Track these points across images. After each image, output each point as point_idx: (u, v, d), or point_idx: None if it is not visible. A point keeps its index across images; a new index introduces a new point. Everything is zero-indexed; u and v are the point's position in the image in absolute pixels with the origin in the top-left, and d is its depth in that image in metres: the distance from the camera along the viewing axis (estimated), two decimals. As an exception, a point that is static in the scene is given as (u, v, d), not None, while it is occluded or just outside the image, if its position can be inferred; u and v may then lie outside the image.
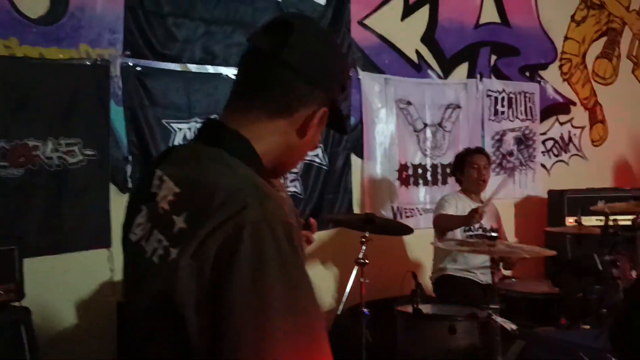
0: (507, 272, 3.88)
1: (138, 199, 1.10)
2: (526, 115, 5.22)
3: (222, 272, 0.90)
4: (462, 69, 4.92)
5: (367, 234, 3.34)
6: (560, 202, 4.88)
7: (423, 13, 4.73)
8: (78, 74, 3.41)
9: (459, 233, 3.88)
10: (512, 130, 5.15)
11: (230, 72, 3.80)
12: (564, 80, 5.47)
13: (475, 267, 3.87)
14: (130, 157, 3.55)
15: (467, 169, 4.04)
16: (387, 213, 4.47)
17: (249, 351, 0.88)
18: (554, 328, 3.20)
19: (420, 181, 4.68)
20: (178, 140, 3.69)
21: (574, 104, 5.53)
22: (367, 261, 3.27)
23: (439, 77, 4.80)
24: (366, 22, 4.48)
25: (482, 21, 5.02)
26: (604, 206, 3.76)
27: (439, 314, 3.18)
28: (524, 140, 5.20)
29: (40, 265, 3.21)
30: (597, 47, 5.66)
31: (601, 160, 5.63)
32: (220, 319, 0.89)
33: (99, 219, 3.42)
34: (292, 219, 0.97)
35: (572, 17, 5.51)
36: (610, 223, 3.50)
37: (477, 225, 3.85)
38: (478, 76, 4.96)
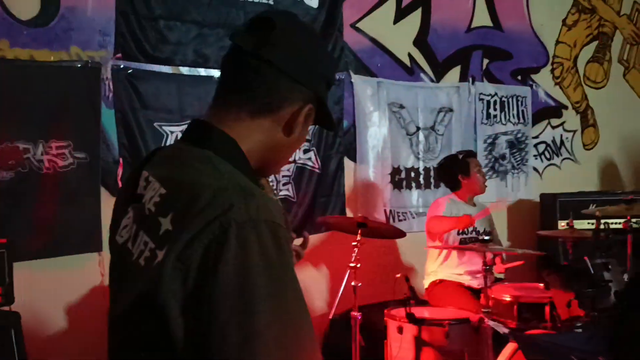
0: (500, 275, 3.88)
1: (125, 200, 1.10)
2: (518, 118, 5.23)
3: (207, 273, 0.90)
4: (455, 72, 4.93)
5: (359, 238, 3.33)
6: (552, 206, 4.90)
7: (415, 17, 4.74)
8: (69, 76, 3.39)
9: (452, 236, 3.88)
10: (505, 133, 5.16)
11: (222, 75, 3.79)
12: (556, 84, 5.49)
13: (467, 271, 3.87)
14: (121, 160, 3.53)
15: (473, 172, 3.99)
16: (379, 216, 4.47)
17: (233, 352, 0.88)
18: (546, 331, 3.20)
19: (413, 184, 4.68)
20: (169, 143, 3.68)
21: (566, 107, 5.55)
22: (359, 265, 3.26)
23: (432, 80, 4.81)
24: (359, 25, 4.48)
25: (474, 25, 5.03)
26: (595, 210, 3.77)
27: (432, 318, 3.18)
28: (516, 144, 5.21)
29: (30, 269, 3.18)
30: (589, 51, 5.69)
31: (593, 164, 5.65)
32: (206, 320, 0.89)
33: (90, 223, 3.40)
34: (280, 219, 0.96)
35: (564, 21, 5.53)
36: (602, 226, 3.51)
37: (470, 229, 3.86)
38: (470, 80, 4.96)
